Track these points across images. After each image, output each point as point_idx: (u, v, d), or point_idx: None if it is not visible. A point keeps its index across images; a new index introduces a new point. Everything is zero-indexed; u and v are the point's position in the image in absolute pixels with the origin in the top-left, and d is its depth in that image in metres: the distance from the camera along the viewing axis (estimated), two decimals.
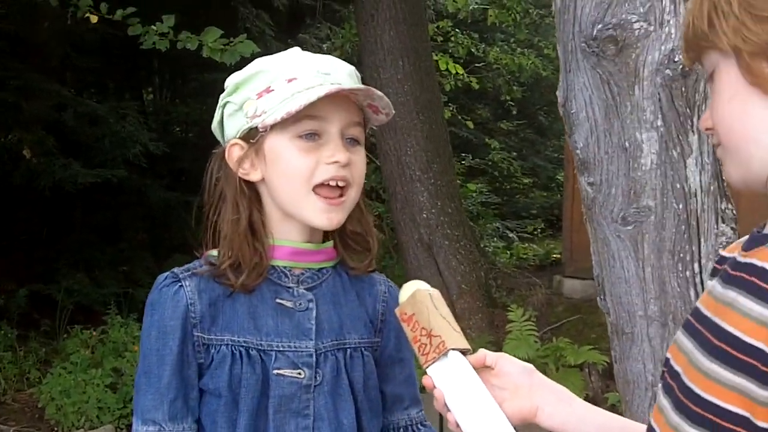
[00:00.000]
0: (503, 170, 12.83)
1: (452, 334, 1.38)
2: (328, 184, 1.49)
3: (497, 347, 6.83)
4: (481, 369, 1.39)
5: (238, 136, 1.53)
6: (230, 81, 1.56)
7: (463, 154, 12.49)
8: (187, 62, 9.12)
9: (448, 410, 1.35)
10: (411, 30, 7.90)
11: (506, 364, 1.40)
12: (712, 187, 2.42)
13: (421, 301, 1.41)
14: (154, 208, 8.94)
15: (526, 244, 11.38)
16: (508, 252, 10.64)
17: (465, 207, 9.93)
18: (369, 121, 1.59)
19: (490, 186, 12.69)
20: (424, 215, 7.83)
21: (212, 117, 1.62)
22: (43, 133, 8.12)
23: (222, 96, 1.57)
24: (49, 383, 6.22)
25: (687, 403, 1.01)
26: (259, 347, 1.50)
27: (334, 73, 1.51)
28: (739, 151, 1.07)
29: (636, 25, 2.28)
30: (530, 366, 1.42)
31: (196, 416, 1.52)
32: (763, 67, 1.02)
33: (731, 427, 0.95)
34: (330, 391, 1.52)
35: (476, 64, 12.18)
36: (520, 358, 4.76)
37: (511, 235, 11.55)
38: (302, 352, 1.51)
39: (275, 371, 1.49)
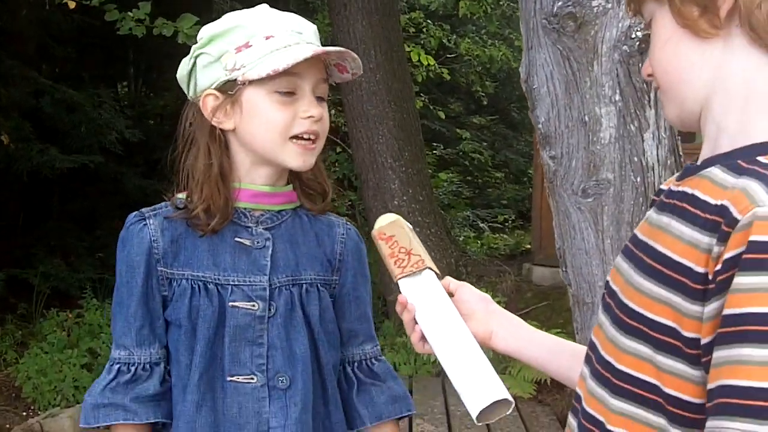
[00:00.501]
0: (474, 161, 12.91)
1: (428, 257, 1.48)
2: (302, 136, 1.62)
3: None
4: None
5: (213, 87, 1.63)
6: (204, 32, 1.65)
7: (435, 145, 12.58)
8: (161, 54, 9.14)
9: (416, 323, 1.44)
10: (383, 20, 7.98)
11: (466, 291, 1.48)
12: (669, 161, 2.49)
13: (401, 227, 1.52)
14: (130, 196, 8.95)
15: (497, 234, 11.47)
16: (479, 241, 10.73)
17: (436, 196, 10.03)
18: (331, 78, 1.70)
19: (462, 177, 12.77)
20: (396, 202, 7.91)
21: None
22: (21, 119, 8.14)
23: (194, 47, 1.66)
24: (26, 363, 6.29)
25: (623, 317, 1.08)
26: (217, 281, 1.62)
27: (305, 31, 1.63)
28: (674, 92, 1.12)
29: (594, 3, 2.35)
30: (487, 296, 1.50)
31: (164, 343, 1.66)
32: (693, 10, 1.06)
33: (661, 336, 1.01)
34: (283, 322, 1.64)
35: (448, 56, 12.29)
36: None
37: (482, 225, 11.64)
38: (256, 286, 1.63)
39: (231, 303, 1.62)
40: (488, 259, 9.58)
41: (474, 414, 1.32)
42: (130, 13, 5.56)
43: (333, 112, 10.38)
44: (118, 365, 1.65)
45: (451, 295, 1.47)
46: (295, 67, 1.56)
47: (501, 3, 10.40)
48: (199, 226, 1.64)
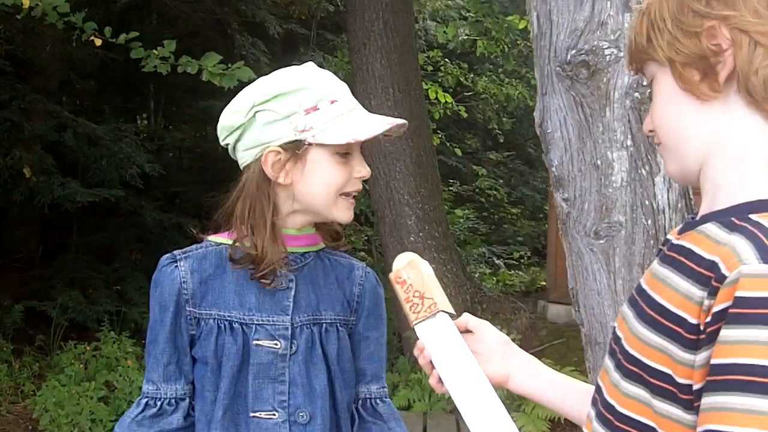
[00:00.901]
0: (489, 197, 12.95)
1: (443, 298, 1.54)
2: (351, 193, 1.75)
3: None
4: (463, 332, 1.54)
5: (277, 144, 1.69)
6: (267, 89, 1.71)
7: (451, 181, 12.63)
8: (182, 89, 9.27)
9: (433, 367, 1.49)
10: (401, 59, 8.08)
11: (486, 331, 1.54)
12: (679, 205, 2.53)
13: (416, 267, 1.58)
14: (149, 229, 9.05)
15: (513, 271, 11.46)
16: (494, 278, 10.73)
17: (452, 232, 10.06)
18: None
19: (478, 213, 12.80)
20: (412, 239, 7.96)
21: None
22: (43, 152, 8.27)
23: (254, 100, 1.71)
24: (44, 395, 6.33)
25: (624, 363, 1.15)
26: (242, 321, 1.72)
27: (349, 93, 1.76)
28: (675, 150, 1.20)
29: (607, 51, 2.42)
30: (506, 337, 1.56)
31: (190, 379, 1.76)
32: (693, 74, 1.14)
33: (657, 382, 1.09)
34: (304, 360, 1.73)
35: (465, 93, 12.38)
36: None
37: (497, 261, 11.65)
38: (279, 325, 1.72)
39: (254, 342, 1.71)
40: (503, 296, 9.58)
41: None
42: (155, 51, 5.65)
43: None
44: (146, 399, 1.75)
45: (470, 332, 1.53)
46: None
47: (518, 43, 10.49)
48: (259, 274, 1.72)
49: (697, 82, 1.14)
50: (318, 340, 1.75)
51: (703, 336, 1.03)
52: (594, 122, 2.49)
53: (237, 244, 1.73)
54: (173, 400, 1.74)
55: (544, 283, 9.73)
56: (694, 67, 1.14)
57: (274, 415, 1.70)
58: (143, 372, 1.81)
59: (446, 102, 10.84)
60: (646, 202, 2.52)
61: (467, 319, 1.55)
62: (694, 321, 1.05)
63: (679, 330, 1.06)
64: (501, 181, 13.91)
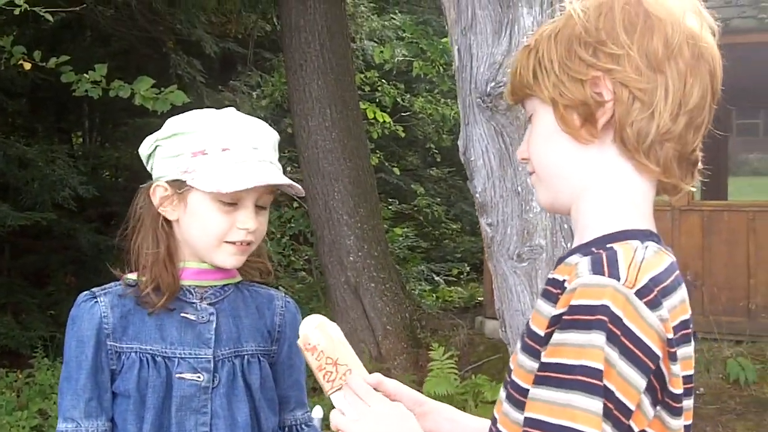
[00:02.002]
0: (427, 215, 13.04)
1: (357, 363, 1.49)
2: (236, 243, 1.75)
3: (420, 386, 7.01)
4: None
5: (164, 180, 1.74)
6: (168, 126, 1.77)
7: (390, 200, 12.69)
8: (117, 107, 9.16)
9: None
10: (338, 79, 8.13)
11: (400, 392, 1.50)
12: None
13: (325, 333, 1.52)
14: (83, 252, 8.93)
15: (452, 287, 11.53)
16: (434, 294, 10.81)
17: (392, 251, 10.11)
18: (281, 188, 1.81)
19: (418, 231, 12.86)
20: (351, 258, 8.00)
21: (143, 162, 1.83)
22: None
23: (157, 135, 1.78)
24: None
25: (512, 392, 1.21)
26: (164, 354, 1.73)
27: (262, 147, 1.75)
28: (550, 183, 1.28)
29: None
30: (420, 397, 1.53)
31: (110, 416, 1.74)
32: (574, 118, 1.21)
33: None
34: (226, 392, 1.75)
35: (402, 113, 12.49)
36: (440, 395, 5.03)
37: (437, 278, 11.72)
38: (201, 358, 1.74)
39: (177, 375, 1.72)
40: (442, 312, 9.67)
41: None
42: (86, 75, 5.61)
43: (289, 168, 10.48)
44: None
45: (389, 394, 1.50)
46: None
47: (453, 64, 10.58)
48: (148, 304, 1.74)
49: (577, 126, 1.22)
50: (240, 372, 1.77)
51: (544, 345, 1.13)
52: (513, 151, 2.55)
53: (138, 280, 1.76)
54: None
55: (482, 299, 9.82)
56: (576, 111, 1.21)
57: None
58: None
59: (384, 121, 10.92)
60: (565, 226, 2.60)
61: (379, 380, 1.51)
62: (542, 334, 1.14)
63: (537, 347, 1.15)
64: (439, 198, 14.00)
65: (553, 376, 1.07)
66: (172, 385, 1.72)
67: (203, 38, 9.89)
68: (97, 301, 1.75)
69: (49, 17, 5.86)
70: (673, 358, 1.12)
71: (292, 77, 8.25)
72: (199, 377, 1.73)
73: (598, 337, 1.05)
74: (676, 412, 1.15)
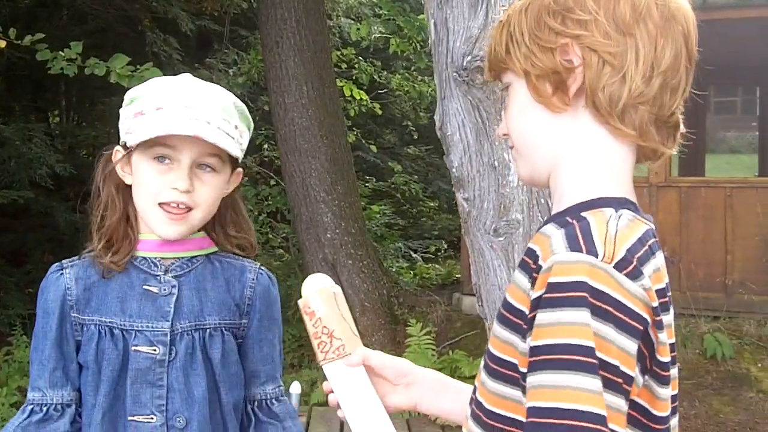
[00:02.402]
0: (405, 193, 13.07)
1: (352, 339, 1.51)
2: (171, 205, 1.74)
3: None
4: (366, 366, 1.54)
5: (120, 144, 1.79)
6: (126, 95, 1.82)
7: (368, 177, 12.71)
8: (94, 85, 9.11)
9: (339, 407, 1.50)
10: (315, 57, 8.13)
11: (387, 363, 1.53)
12: None
13: (325, 300, 1.53)
14: (61, 230, 8.90)
15: (429, 265, 11.56)
16: (412, 272, 10.84)
17: (369, 228, 10.14)
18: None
19: (395, 208, 12.89)
20: (329, 235, 8.03)
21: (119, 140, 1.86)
22: None
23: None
24: None
25: (488, 362, 1.23)
26: (122, 327, 1.75)
27: (199, 107, 1.72)
28: (528, 155, 1.29)
29: None
30: (406, 367, 1.55)
31: (77, 386, 1.78)
32: (546, 87, 1.23)
33: (505, 371, 1.18)
34: (182, 366, 1.75)
35: (379, 91, 12.49)
36: None
37: (414, 255, 11.76)
38: (158, 331, 1.76)
39: (133, 348, 1.74)
40: (420, 289, 9.70)
41: None
42: (61, 53, 5.58)
43: (266, 146, 10.47)
44: (31, 406, 1.76)
45: (371, 367, 1.53)
46: (170, 139, 1.71)
47: (429, 42, 10.57)
48: (101, 263, 1.77)
49: (549, 95, 1.23)
50: (199, 346, 1.77)
51: (526, 325, 1.12)
52: (490, 125, 2.58)
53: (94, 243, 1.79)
54: (60, 406, 1.76)
55: (459, 276, 9.87)
56: (547, 80, 1.23)
57: (152, 419, 1.73)
58: None
59: (361, 99, 10.92)
60: (542, 200, 2.62)
61: (365, 356, 1.53)
62: (525, 309, 1.14)
63: (519, 322, 1.15)
64: (417, 176, 14.02)
65: (546, 359, 1.05)
66: (128, 358, 1.74)
67: (179, 16, 9.84)
68: (62, 273, 1.78)
69: None
70: (659, 326, 1.13)
71: (268, 54, 8.23)
72: (154, 350, 1.74)
73: (582, 314, 1.04)
74: (664, 381, 1.16)
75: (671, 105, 1.23)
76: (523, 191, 2.64)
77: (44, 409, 1.75)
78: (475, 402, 1.28)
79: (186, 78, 1.82)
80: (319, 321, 1.51)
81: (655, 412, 1.15)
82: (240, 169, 1.88)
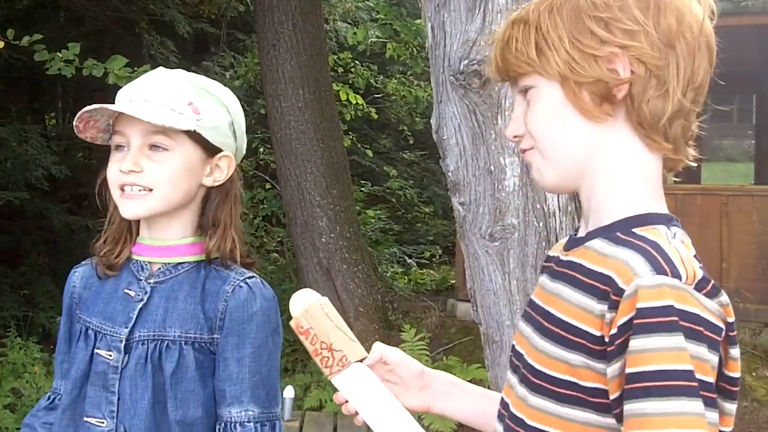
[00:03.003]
0: (400, 198, 13.06)
1: (351, 345, 1.50)
2: (125, 186, 1.72)
3: None
4: (377, 363, 1.53)
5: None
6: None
7: (363, 182, 12.70)
8: (90, 88, 9.11)
9: (357, 414, 1.50)
10: (311, 61, 8.12)
11: (401, 362, 1.54)
12: (569, 208, 2.63)
13: (315, 315, 1.52)
14: (56, 232, 8.89)
15: (424, 270, 11.54)
16: (406, 277, 10.83)
17: (364, 233, 10.13)
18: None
19: (390, 213, 12.87)
20: (323, 240, 8.02)
21: None
22: None
23: None
24: None
25: (529, 376, 1.21)
26: (96, 328, 1.76)
27: (139, 89, 1.72)
28: (558, 161, 1.25)
29: None
30: (420, 367, 1.55)
31: None
32: (585, 95, 1.19)
33: (563, 391, 1.16)
34: (132, 375, 1.71)
35: (375, 95, 12.48)
36: None
37: (409, 260, 11.75)
38: (116, 337, 1.74)
39: (96, 350, 1.75)
40: (414, 295, 9.69)
41: None
42: (59, 54, 5.58)
43: (262, 150, 10.46)
44: (49, 393, 1.89)
45: (386, 364, 1.53)
46: (120, 125, 1.72)
47: (425, 46, 10.56)
48: (100, 264, 1.81)
49: (590, 103, 1.20)
50: (152, 357, 1.71)
51: (611, 348, 1.10)
52: (487, 129, 2.57)
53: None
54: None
55: (453, 281, 9.86)
56: (587, 88, 1.20)
57: (103, 422, 1.71)
58: (51, 378, 1.90)
59: (357, 103, 10.92)
60: (538, 206, 2.61)
61: (380, 351, 1.52)
62: (597, 333, 1.12)
63: (581, 341, 1.14)
64: (412, 181, 14.01)
65: (648, 386, 1.05)
66: (92, 360, 1.75)
67: (176, 18, 9.84)
68: (75, 272, 1.87)
69: None
70: (732, 341, 1.14)
71: (264, 58, 8.22)
72: (110, 355, 1.73)
73: (678, 339, 1.05)
74: (731, 396, 1.16)
75: (696, 118, 1.25)
76: (518, 196, 2.63)
77: (52, 397, 1.87)
78: (510, 418, 1.26)
79: (154, 70, 1.80)
80: (315, 338, 1.50)
81: (722, 429, 1.15)
82: (226, 155, 1.79)
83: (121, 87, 1.78)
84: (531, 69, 1.24)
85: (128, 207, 1.71)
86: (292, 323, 1.53)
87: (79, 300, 1.83)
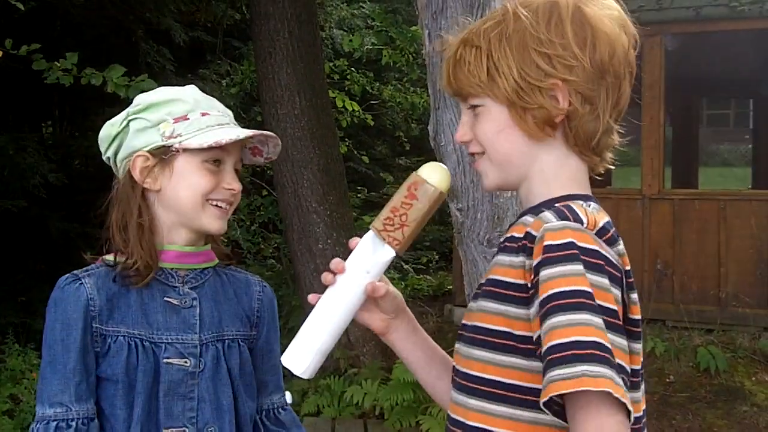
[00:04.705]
0: None
1: (406, 243, 1.56)
2: (220, 203, 1.80)
3: (389, 372, 7.08)
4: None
5: (146, 149, 1.77)
6: (141, 100, 1.81)
7: (359, 188, 12.72)
8: (86, 97, 9.14)
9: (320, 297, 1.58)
10: (308, 68, 8.14)
11: (389, 297, 1.63)
12: None
13: (430, 199, 1.56)
14: (54, 239, 8.91)
15: (421, 276, 11.56)
16: (403, 283, 10.84)
17: None
18: (244, 159, 1.89)
19: None
20: (320, 246, 8.03)
21: None
22: None
23: (128, 111, 1.81)
24: None
25: (473, 335, 1.40)
26: (151, 339, 1.75)
27: (230, 115, 1.85)
28: (502, 168, 1.47)
29: None
30: (402, 305, 1.67)
31: (95, 399, 1.73)
32: (529, 119, 1.41)
33: (497, 340, 1.36)
34: (211, 376, 1.78)
35: (371, 102, 12.51)
36: (408, 381, 5.23)
37: (406, 266, 11.76)
38: (188, 343, 1.77)
39: (165, 360, 1.74)
40: (412, 300, 9.70)
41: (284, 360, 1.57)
42: (57, 63, 5.60)
43: None
44: (55, 422, 1.69)
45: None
46: (226, 144, 1.75)
47: (422, 52, 10.60)
48: (130, 281, 1.75)
49: (533, 126, 1.41)
50: (222, 357, 1.80)
51: (532, 291, 1.30)
52: None
53: (118, 260, 1.77)
54: (86, 420, 1.70)
55: (451, 287, 9.88)
56: (531, 113, 1.41)
57: (185, 430, 1.74)
58: None
59: (353, 110, 10.94)
60: None
61: (374, 288, 1.60)
62: (522, 282, 1.33)
63: (512, 293, 1.34)
64: None
65: (555, 304, 1.23)
66: (159, 371, 1.73)
67: (172, 27, 9.87)
68: (82, 283, 1.74)
69: (21, 5, 5.84)
70: (630, 287, 1.34)
71: (261, 65, 8.24)
72: (186, 362, 1.76)
73: (577, 267, 1.24)
74: (636, 336, 1.34)
75: (616, 132, 1.48)
76: (516, 202, 2.67)
77: (72, 424, 1.69)
78: (460, 374, 1.43)
79: (196, 88, 1.88)
80: (409, 206, 1.55)
81: (630, 366, 1.27)
82: None
83: (120, 96, 1.81)
84: (481, 91, 1.44)
85: (221, 222, 1.81)
86: (414, 175, 1.59)
87: (101, 312, 1.73)
